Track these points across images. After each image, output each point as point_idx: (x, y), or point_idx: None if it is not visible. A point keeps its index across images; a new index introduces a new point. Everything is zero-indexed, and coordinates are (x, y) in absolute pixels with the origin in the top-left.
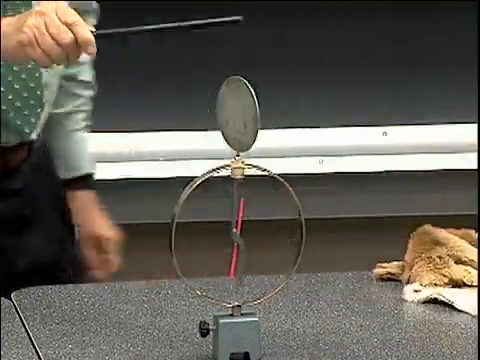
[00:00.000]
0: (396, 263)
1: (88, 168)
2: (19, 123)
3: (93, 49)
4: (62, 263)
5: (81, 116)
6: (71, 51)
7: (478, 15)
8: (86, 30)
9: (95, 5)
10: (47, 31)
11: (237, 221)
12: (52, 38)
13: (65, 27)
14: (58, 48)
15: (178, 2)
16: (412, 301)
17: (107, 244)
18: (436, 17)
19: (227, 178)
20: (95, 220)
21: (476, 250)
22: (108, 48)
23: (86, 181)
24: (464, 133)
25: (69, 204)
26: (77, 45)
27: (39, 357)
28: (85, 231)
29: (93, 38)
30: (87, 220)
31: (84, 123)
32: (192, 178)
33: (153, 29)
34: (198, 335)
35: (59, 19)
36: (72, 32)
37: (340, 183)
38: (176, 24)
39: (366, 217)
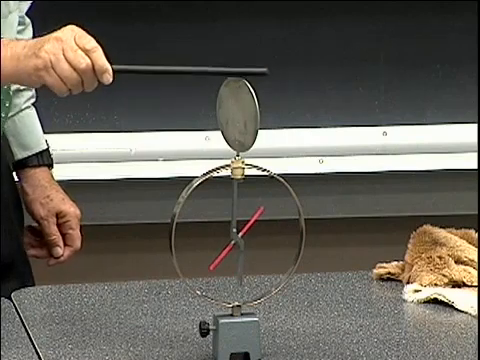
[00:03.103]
0: (396, 263)
1: (43, 144)
2: None
3: (110, 77)
4: (21, 258)
5: (29, 93)
6: (87, 78)
7: (478, 15)
8: (104, 58)
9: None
10: (64, 56)
11: (246, 225)
12: (68, 63)
13: (82, 53)
14: (74, 74)
15: (178, 2)
16: (412, 301)
17: (69, 220)
18: (436, 17)
19: (227, 178)
20: (55, 196)
21: (476, 250)
22: (106, 47)
23: (43, 158)
24: (464, 133)
25: (25, 183)
26: (93, 72)
27: (39, 357)
28: (46, 209)
29: (110, 66)
30: (47, 197)
31: (32, 100)
32: (192, 178)
33: (172, 71)
34: (198, 335)
35: (77, 45)
36: (90, 59)
37: (340, 183)
38: (199, 68)
39: (366, 217)
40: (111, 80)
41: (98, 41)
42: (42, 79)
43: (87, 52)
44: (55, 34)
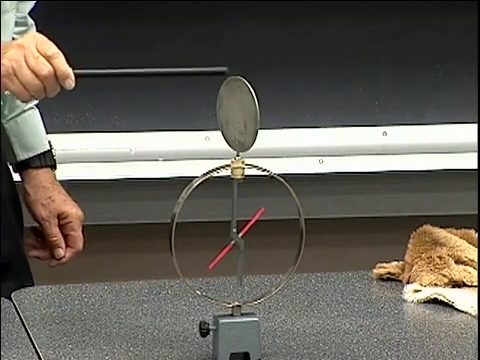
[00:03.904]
0: (396, 263)
1: (46, 145)
2: None
3: (72, 83)
4: (20, 258)
5: None
6: (49, 84)
7: (478, 15)
8: (65, 64)
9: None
10: (26, 63)
11: (247, 225)
12: (30, 70)
13: (44, 59)
14: (36, 80)
15: (178, 2)
16: (412, 301)
17: (71, 221)
18: (436, 17)
19: (227, 178)
20: (57, 198)
21: (476, 250)
22: (107, 48)
23: (46, 159)
24: (464, 133)
25: (27, 184)
26: (56, 78)
27: (39, 357)
28: (47, 210)
29: (72, 72)
30: (49, 198)
31: (35, 101)
32: (192, 178)
33: (134, 73)
34: (198, 335)
35: (38, 51)
36: (51, 65)
37: (340, 183)
38: (161, 70)
39: (366, 217)
40: (73, 85)
41: (59, 47)
42: (5, 86)
43: (49, 58)
44: (17, 41)
